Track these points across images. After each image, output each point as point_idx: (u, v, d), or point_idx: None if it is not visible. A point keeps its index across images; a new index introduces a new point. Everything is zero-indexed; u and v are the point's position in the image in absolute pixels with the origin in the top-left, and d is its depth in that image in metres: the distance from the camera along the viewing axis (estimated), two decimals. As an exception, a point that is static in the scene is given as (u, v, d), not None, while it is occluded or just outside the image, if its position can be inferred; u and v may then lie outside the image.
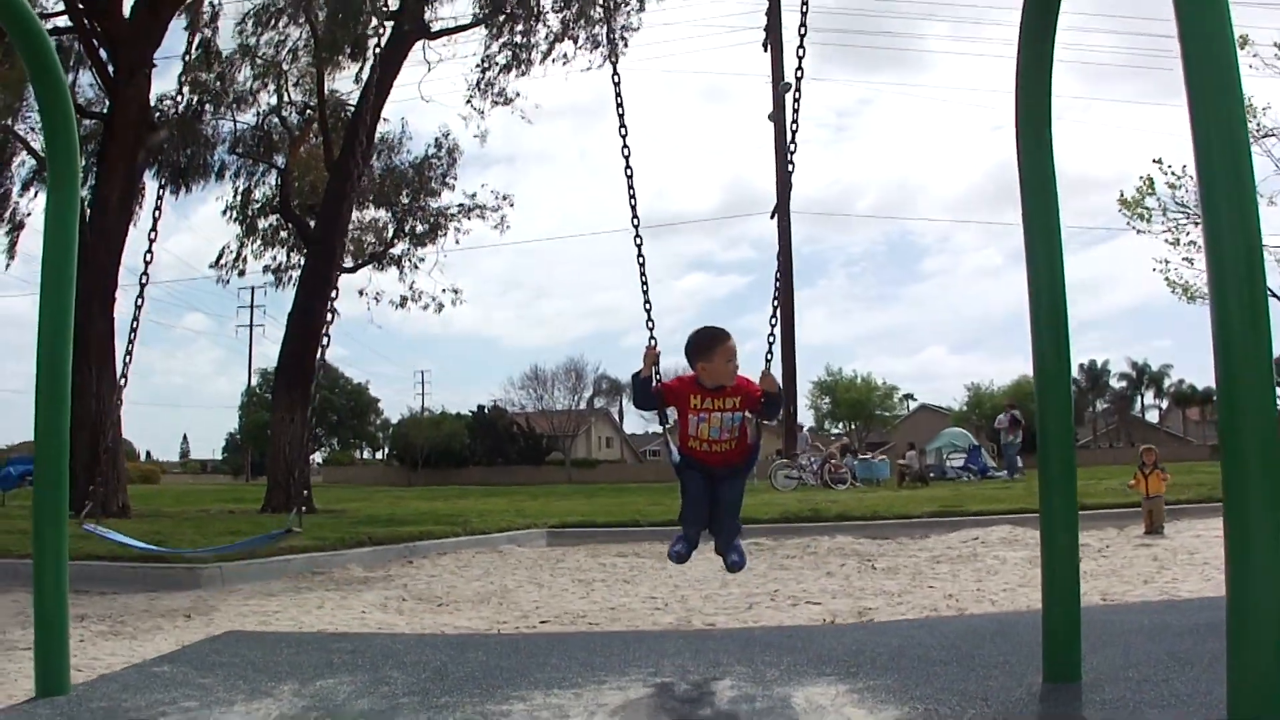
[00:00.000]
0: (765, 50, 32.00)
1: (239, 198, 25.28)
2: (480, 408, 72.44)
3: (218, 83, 22.19)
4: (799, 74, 4.64)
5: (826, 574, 9.33)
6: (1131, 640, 4.84)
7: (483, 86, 22.15)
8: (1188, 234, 22.91)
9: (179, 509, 19.12)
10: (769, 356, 4.64)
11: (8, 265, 24.08)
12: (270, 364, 47.73)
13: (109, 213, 16.84)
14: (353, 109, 22.00)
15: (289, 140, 24.05)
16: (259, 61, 22.15)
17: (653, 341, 4.75)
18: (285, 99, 23.76)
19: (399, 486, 49.29)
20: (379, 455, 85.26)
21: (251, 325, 75.59)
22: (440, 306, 26.85)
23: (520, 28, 21.01)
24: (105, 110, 18.52)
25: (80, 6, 17.71)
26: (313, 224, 21.22)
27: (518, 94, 22.54)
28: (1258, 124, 21.80)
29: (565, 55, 21.16)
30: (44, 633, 4.41)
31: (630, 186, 4.90)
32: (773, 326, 4.70)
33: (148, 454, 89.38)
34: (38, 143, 20.57)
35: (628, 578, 9.56)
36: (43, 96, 4.75)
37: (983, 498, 16.40)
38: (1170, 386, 79.46)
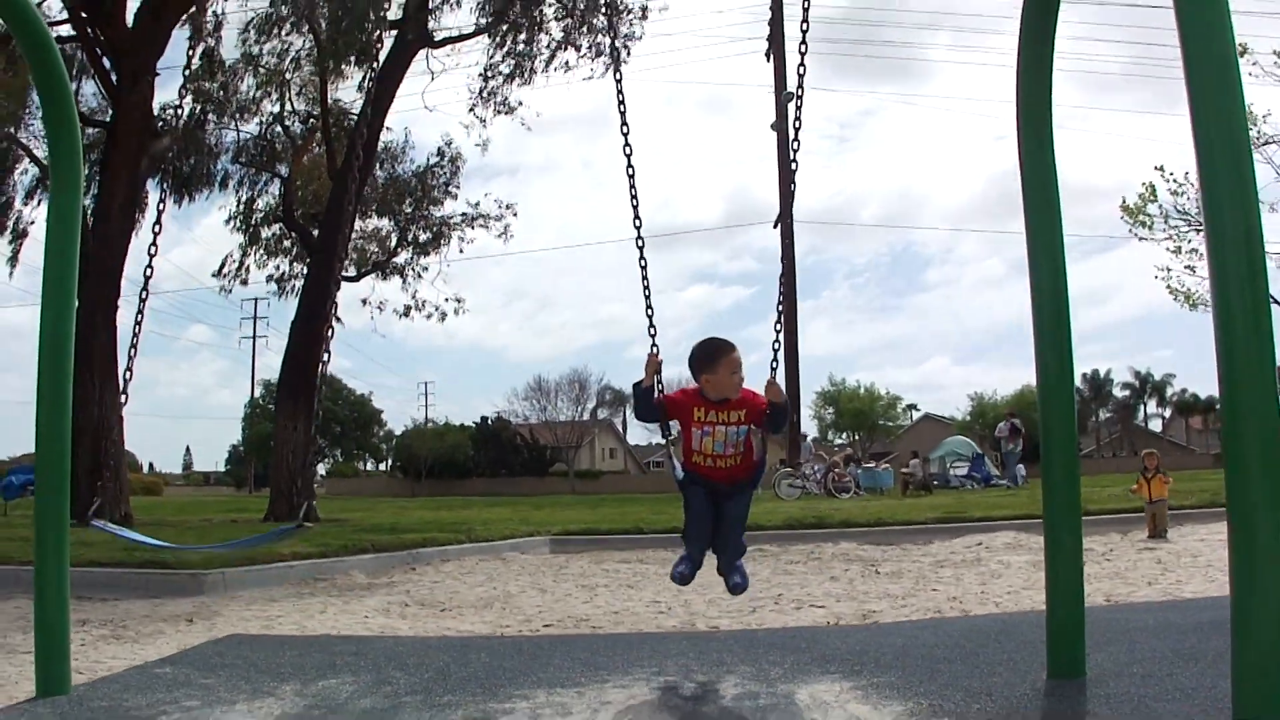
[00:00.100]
0: (768, 60, 32.04)
1: (242, 207, 25.41)
2: (484, 419, 72.45)
3: (221, 92, 22.26)
4: (801, 74, 4.57)
5: (830, 578, 9.31)
6: (1136, 638, 4.82)
7: (485, 95, 22.22)
8: (1189, 241, 22.91)
9: (181, 518, 19.08)
10: (774, 365, 4.49)
11: (11, 273, 24.17)
12: (273, 376, 47.75)
13: (111, 220, 16.84)
14: (355, 117, 22.05)
15: (292, 149, 24.12)
16: (262, 70, 22.22)
17: (655, 349, 4.62)
18: (288, 108, 23.85)
19: (402, 498, 49.17)
20: (382, 467, 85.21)
21: (255, 337, 75.65)
22: (444, 316, 26.94)
23: (523, 36, 21.06)
24: (108, 119, 18.57)
25: (84, 15, 17.74)
26: (316, 233, 21.25)
27: (520, 103, 22.62)
28: (1258, 131, 21.80)
29: (567, 63, 21.23)
30: (45, 633, 4.40)
31: (632, 185, 4.79)
32: (777, 333, 4.58)
33: (150, 466, 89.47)
34: (41, 150, 20.65)
35: (631, 583, 9.54)
36: (46, 97, 4.76)
37: (986, 504, 16.36)
38: (1173, 395, 79.49)
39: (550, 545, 13.31)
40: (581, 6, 20.38)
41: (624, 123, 4.79)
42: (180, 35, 18.52)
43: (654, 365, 4.55)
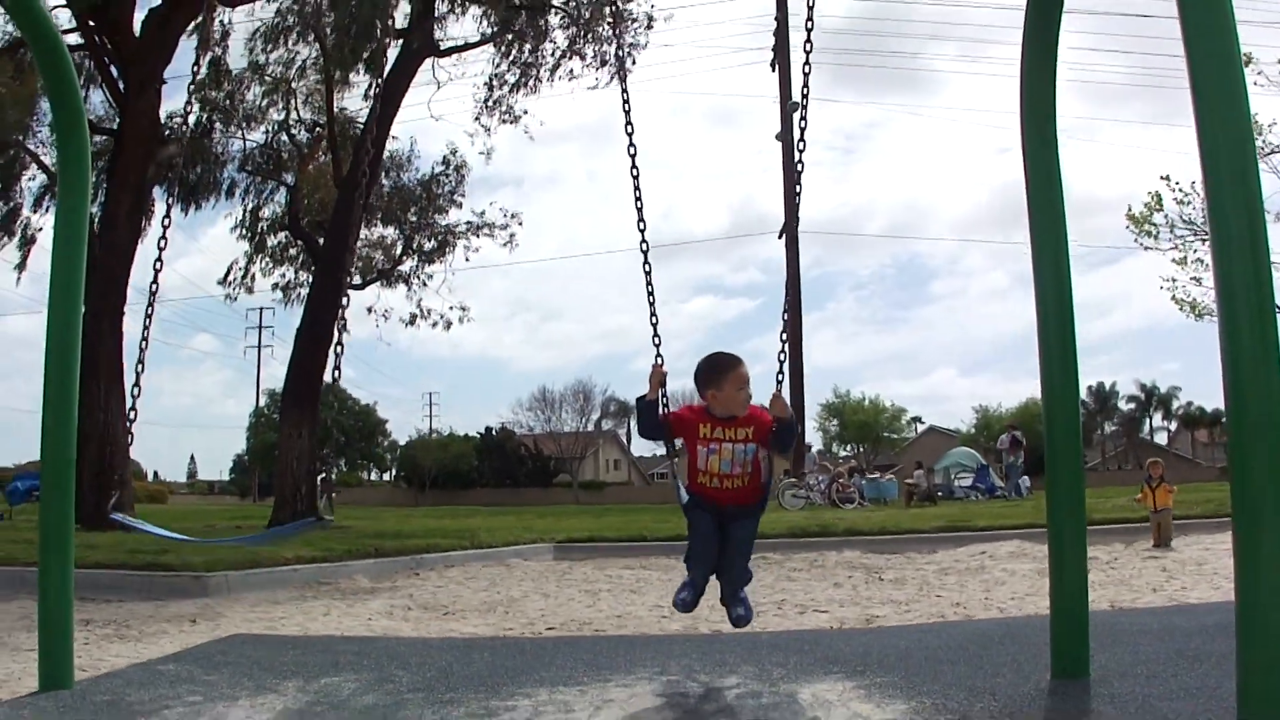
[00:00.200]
0: (773, 70, 32.08)
1: (248, 215, 25.43)
2: (488, 429, 72.56)
3: (227, 100, 22.33)
4: (806, 72, 4.56)
5: (834, 585, 9.30)
6: (1140, 640, 4.81)
7: (490, 104, 22.25)
8: (1195, 251, 22.87)
9: (185, 526, 19.09)
10: (780, 378, 4.38)
11: (18, 279, 24.22)
12: (278, 385, 47.81)
13: (118, 228, 16.90)
14: (361, 126, 22.10)
15: (298, 157, 24.17)
16: (268, 79, 22.29)
17: (659, 360, 4.52)
18: (294, 116, 23.93)
19: (406, 507, 49.23)
20: (386, 477, 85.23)
21: (260, 346, 75.74)
22: (449, 324, 26.93)
23: (528, 46, 21.11)
24: (115, 127, 18.64)
25: (91, 24, 17.83)
26: (322, 241, 21.29)
27: (525, 111, 22.64)
28: (1264, 141, 21.79)
29: (572, 71, 21.27)
30: (48, 628, 4.42)
31: (636, 185, 4.78)
32: (784, 343, 4.50)
33: (155, 474, 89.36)
34: (49, 157, 20.71)
35: (634, 588, 9.53)
36: (56, 102, 4.79)
37: (991, 514, 16.35)
38: (1179, 408, 79.23)
39: (554, 552, 13.31)
40: (586, 15, 20.43)
41: (628, 121, 4.78)
42: (188, 45, 18.63)
43: (658, 377, 4.43)
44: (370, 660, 5.02)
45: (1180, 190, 22.93)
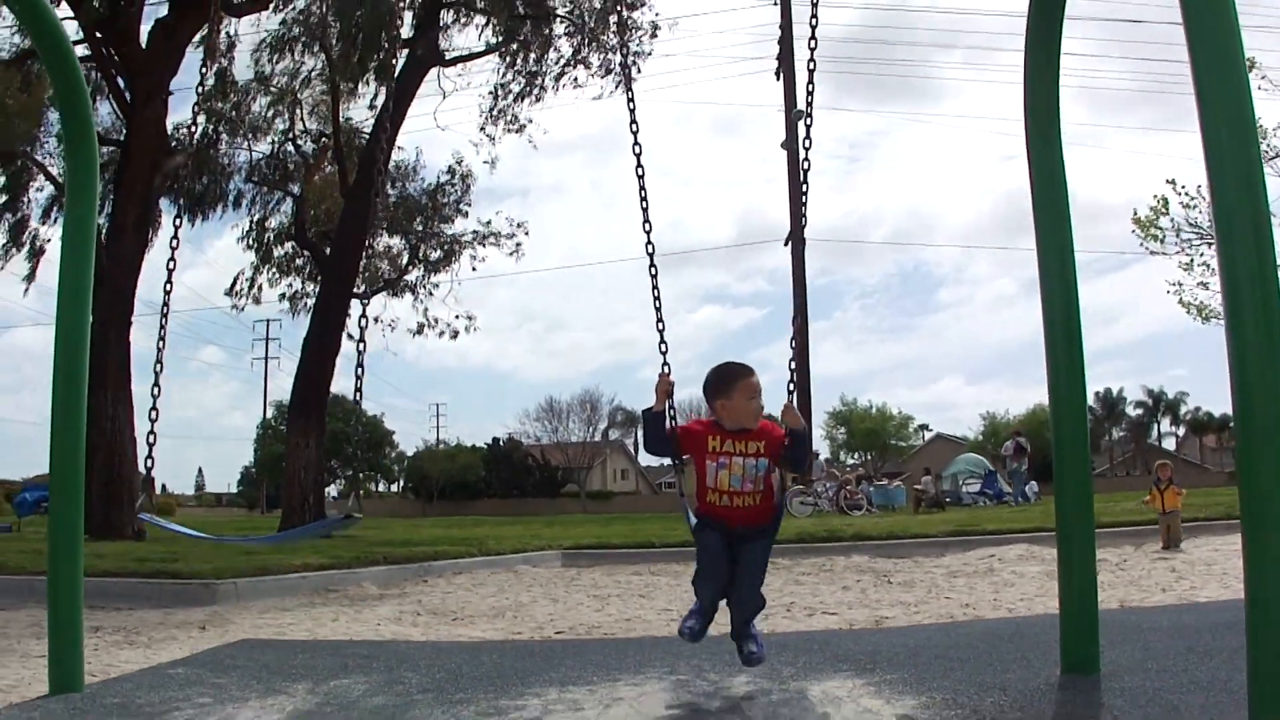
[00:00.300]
0: (778, 79, 32.08)
1: (254, 225, 25.52)
2: (495, 440, 72.53)
3: (233, 111, 22.41)
4: (811, 69, 4.50)
5: (843, 588, 9.28)
6: (1150, 637, 4.80)
7: (495, 113, 22.32)
8: (1201, 254, 22.82)
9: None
10: (791, 387, 4.12)
11: (26, 290, 24.29)
12: (285, 397, 47.85)
13: (124, 238, 16.97)
14: (368, 136, 22.17)
15: (304, 168, 24.24)
16: (274, 90, 22.37)
17: (666, 368, 4.25)
18: (300, 127, 24.01)
19: (414, 518, 49.21)
20: (394, 488, 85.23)
21: (267, 358, 75.63)
22: (455, 333, 26.97)
23: (533, 54, 21.18)
24: (121, 138, 18.70)
25: (98, 35, 17.90)
26: (328, 251, 21.34)
27: (530, 120, 22.70)
28: (1268, 144, 21.74)
29: (576, 79, 21.34)
30: (58, 632, 4.43)
31: (641, 185, 4.66)
32: (794, 348, 4.45)
33: (163, 487, 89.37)
34: (56, 168, 20.78)
35: (643, 593, 9.52)
36: (66, 111, 4.82)
37: (999, 519, 16.32)
38: (1186, 414, 79.11)
39: (562, 559, 13.31)
40: (591, 24, 20.49)
41: (633, 119, 4.74)
42: (194, 57, 18.71)
43: (665, 387, 4.16)
44: (379, 663, 5.01)
45: (1186, 194, 22.91)
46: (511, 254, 26.36)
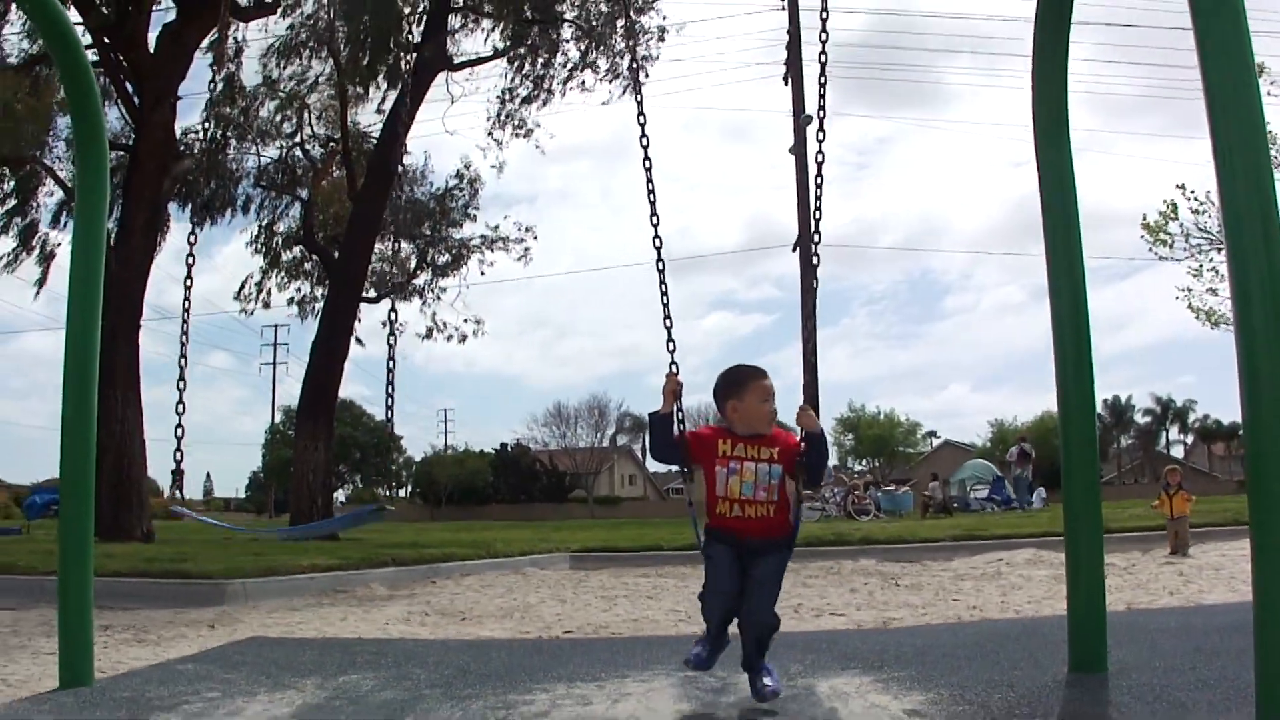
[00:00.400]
0: (786, 84, 32.09)
1: (263, 230, 25.62)
2: (503, 445, 72.61)
3: (242, 116, 22.48)
4: (821, 96, 4.44)
5: (850, 590, 9.29)
6: (1157, 638, 4.81)
7: (503, 118, 22.38)
8: (1210, 260, 22.80)
9: (203, 536, 19.15)
10: (807, 388, 4.01)
11: (37, 294, 24.37)
12: (293, 402, 47.97)
13: (133, 242, 17.02)
14: (376, 141, 22.23)
15: (312, 172, 24.31)
16: (282, 94, 22.44)
17: (674, 368, 4.10)
18: (308, 131, 24.10)
19: (422, 523, 49.23)
20: (402, 493, 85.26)
21: (275, 363, 75.76)
22: (463, 337, 27.01)
23: (541, 59, 21.23)
24: (130, 142, 18.77)
25: (107, 40, 17.97)
26: (336, 255, 21.40)
27: (537, 124, 22.75)
28: (1278, 150, 21.74)
29: (583, 83, 21.39)
30: (68, 627, 4.45)
31: (649, 183, 4.62)
32: (807, 341, 4.41)
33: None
34: (65, 173, 20.86)
35: (650, 594, 9.53)
36: (77, 113, 4.84)
37: (1007, 524, 16.34)
38: (1195, 422, 78.89)
39: (570, 561, 13.34)
40: (599, 28, 20.54)
41: (641, 113, 4.74)
42: (202, 62, 18.78)
43: (673, 388, 3.97)
44: (388, 659, 5.03)
45: (1195, 199, 22.90)
46: (520, 259, 26.44)
